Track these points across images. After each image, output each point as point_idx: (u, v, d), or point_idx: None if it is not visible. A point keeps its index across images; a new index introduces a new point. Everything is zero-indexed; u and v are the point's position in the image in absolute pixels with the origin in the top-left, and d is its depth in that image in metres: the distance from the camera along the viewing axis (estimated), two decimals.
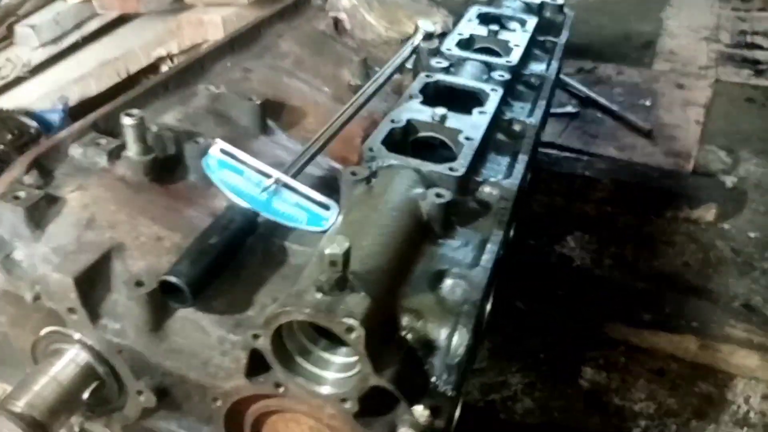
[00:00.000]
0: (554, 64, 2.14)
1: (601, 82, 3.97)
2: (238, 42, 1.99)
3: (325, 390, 1.06)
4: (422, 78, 1.74)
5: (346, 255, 0.95)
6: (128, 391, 1.28)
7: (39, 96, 3.20)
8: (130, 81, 3.77)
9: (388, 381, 1.00)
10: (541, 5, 2.50)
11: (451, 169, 1.35)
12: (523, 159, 1.56)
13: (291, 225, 1.35)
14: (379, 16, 2.40)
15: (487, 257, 1.20)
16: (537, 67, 2.07)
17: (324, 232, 1.34)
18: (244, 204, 1.34)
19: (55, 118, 3.06)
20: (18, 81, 3.31)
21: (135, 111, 1.33)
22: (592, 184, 2.78)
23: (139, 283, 1.16)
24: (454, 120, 1.54)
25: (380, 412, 1.07)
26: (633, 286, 2.31)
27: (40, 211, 1.23)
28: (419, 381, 1.04)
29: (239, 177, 1.40)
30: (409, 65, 2.15)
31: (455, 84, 1.75)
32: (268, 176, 1.39)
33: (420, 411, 1.01)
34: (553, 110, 3.14)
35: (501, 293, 1.33)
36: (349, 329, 0.96)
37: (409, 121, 1.53)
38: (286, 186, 1.38)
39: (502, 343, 2.08)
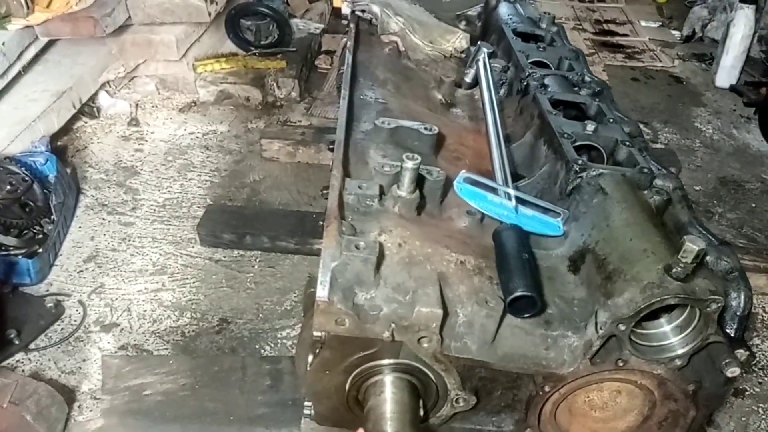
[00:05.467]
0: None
1: None
2: (352, 76, 2.11)
3: (669, 354, 1.37)
4: (544, 98, 2.04)
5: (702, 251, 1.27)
6: (447, 398, 1.47)
7: (6, 136, 2.86)
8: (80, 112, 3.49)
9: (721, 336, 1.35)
10: (539, 18, 2.93)
11: (643, 170, 1.71)
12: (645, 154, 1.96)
13: (538, 233, 1.61)
14: (423, 36, 2.63)
15: (710, 237, 1.58)
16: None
17: (559, 236, 1.63)
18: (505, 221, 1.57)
19: (40, 160, 2.79)
20: None
21: (413, 155, 1.47)
22: None
23: (488, 303, 1.36)
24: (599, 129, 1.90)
25: None
26: None
27: (379, 258, 1.35)
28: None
29: (484, 200, 1.61)
30: (468, 79, 2.46)
31: (568, 99, 2.10)
32: (502, 194, 1.62)
33: (742, 352, 1.37)
34: None
35: None
36: (712, 303, 1.29)
37: (573, 133, 1.85)
38: (521, 200, 1.63)
39: None
